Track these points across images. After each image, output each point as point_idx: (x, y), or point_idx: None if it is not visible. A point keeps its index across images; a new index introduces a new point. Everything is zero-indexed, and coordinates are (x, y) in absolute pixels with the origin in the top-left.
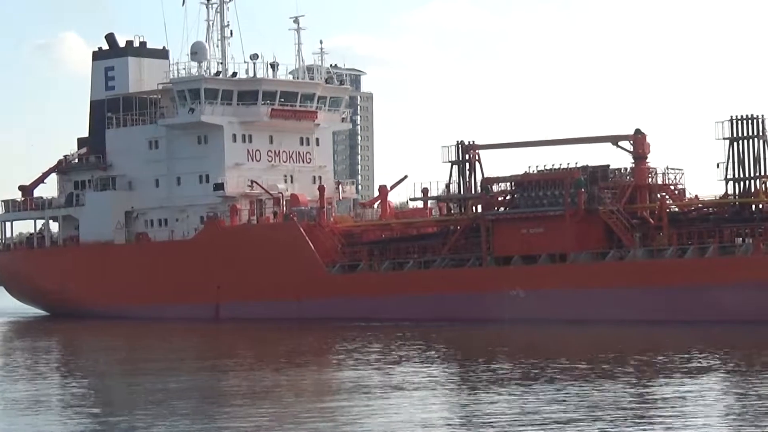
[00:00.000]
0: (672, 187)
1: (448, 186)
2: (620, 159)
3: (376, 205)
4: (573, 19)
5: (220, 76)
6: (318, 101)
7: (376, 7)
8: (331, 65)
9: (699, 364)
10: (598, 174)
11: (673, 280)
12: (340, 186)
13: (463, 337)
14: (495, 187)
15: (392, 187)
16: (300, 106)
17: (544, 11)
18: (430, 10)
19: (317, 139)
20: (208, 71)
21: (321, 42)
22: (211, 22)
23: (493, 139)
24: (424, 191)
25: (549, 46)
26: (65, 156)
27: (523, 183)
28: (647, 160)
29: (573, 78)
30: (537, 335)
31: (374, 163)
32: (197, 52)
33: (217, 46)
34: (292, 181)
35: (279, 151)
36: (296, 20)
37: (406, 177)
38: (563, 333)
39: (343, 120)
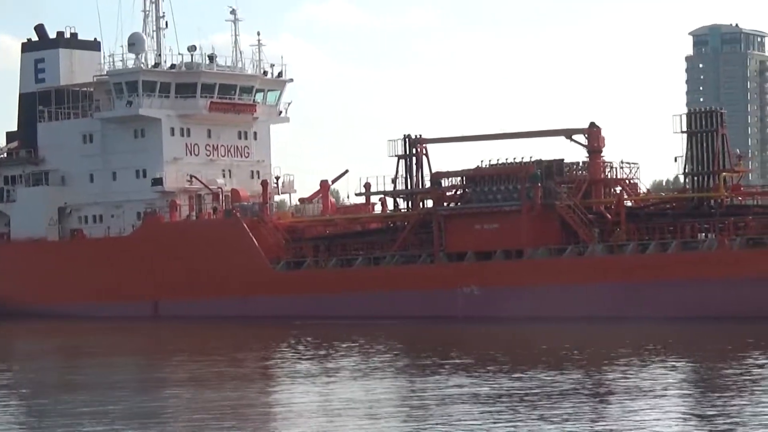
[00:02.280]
0: (627, 182)
1: (394, 181)
2: (573, 153)
3: (316, 200)
4: (525, 7)
5: (158, 68)
6: (255, 94)
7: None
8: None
9: (646, 362)
10: (554, 168)
11: (636, 276)
12: (278, 181)
13: (413, 334)
14: (445, 182)
15: (333, 182)
16: (238, 99)
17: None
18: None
19: (255, 133)
20: (145, 63)
21: (258, 34)
22: (147, 13)
23: (437, 133)
24: (367, 186)
25: (496, 37)
26: None
27: (475, 177)
28: (602, 154)
29: (518, 71)
30: (490, 333)
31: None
32: (135, 44)
33: (152, 38)
34: (230, 176)
35: (217, 145)
36: (233, 11)
37: (347, 171)
38: (519, 330)
39: (280, 114)
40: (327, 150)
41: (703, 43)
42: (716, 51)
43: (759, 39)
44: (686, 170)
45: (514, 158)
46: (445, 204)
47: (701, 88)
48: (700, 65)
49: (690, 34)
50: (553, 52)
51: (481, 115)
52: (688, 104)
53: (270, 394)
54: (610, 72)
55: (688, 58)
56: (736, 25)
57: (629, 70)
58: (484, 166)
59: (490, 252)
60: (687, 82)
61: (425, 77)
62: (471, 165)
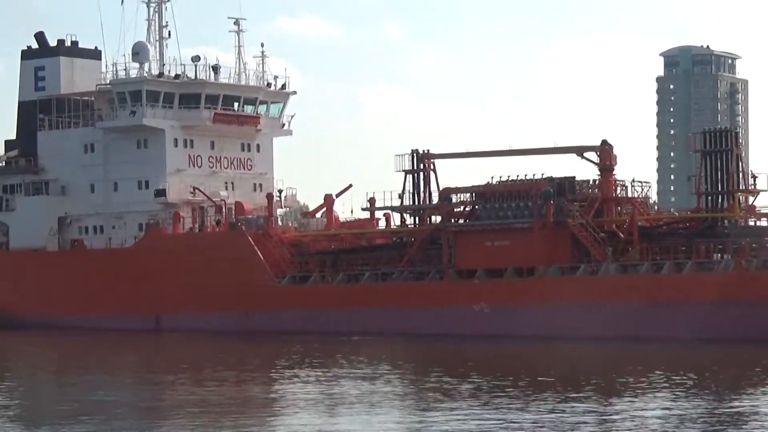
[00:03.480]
0: (639, 201)
1: (401, 196)
2: (579, 171)
3: (319, 214)
4: (538, 23)
5: (162, 78)
6: (259, 105)
7: None
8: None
9: (659, 385)
10: (566, 186)
11: (651, 296)
12: (281, 194)
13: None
14: (454, 198)
15: (337, 196)
16: (241, 111)
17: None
18: None
19: (258, 146)
20: (149, 72)
21: (262, 45)
22: (150, 22)
23: (443, 149)
24: (372, 201)
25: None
26: None
27: (486, 194)
28: (614, 173)
29: (526, 87)
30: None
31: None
32: (139, 53)
33: (155, 47)
34: (233, 188)
35: (220, 157)
36: (237, 22)
37: (351, 186)
38: (531, 350)
39: (283, 126)
40: (330, 164)
41: (674, 64)
42: (687, 72)
43: (730, 61)
44: (699, 189)
45: (525, 175)
46: (454, 220)
47: (672, 109)
48: (671, 86)
49: (661, 54)
50: (527, 71)
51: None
52: (657, 125)
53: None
54: (582, 91)
55: (659, 79)
56: (707, 46)
57: (599, 89)
58: (493, 182)
59: (500, 269)
60: (657, 103)
61: (430, 92)
62: (478, 181)
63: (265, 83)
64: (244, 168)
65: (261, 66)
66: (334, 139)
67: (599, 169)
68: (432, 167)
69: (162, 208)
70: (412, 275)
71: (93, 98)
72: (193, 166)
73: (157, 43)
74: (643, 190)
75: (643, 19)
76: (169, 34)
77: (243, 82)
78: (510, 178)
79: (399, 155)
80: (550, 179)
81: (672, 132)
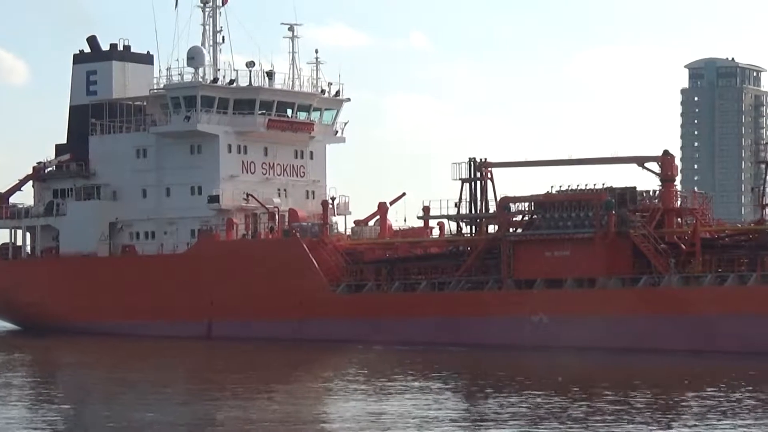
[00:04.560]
0: (700, 212)
1: (458, 204)
2: (634, 182)
3: (372, 222)
4: (562, 34)
5: (218, 83)
6: (312, 112)
7: None
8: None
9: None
10: (627, 196)
11: (716, 309)
12: (334, 202)
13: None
14: (513, 207)
15: (391, 204)
16: (295, 117)
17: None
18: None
19: (311, 153)
20: (204, 78)
21: (317, 51)
22: (205, 27)
23: (499, 158)
24: (426, 209)
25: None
26: (40, 162)
27: (545, 203)
28: (675, 183)
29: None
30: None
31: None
32: (194, 57)
33: (209, 53)
34: (285, 195)
35: (273, 164)
36: (291, 28)
37: (404, 194)
38: (592, 362)
39: (336, 133)
40: (382, 172)
41: (699, 76)
42: (712, 85)
43: (755, 74)
44: (763, 201)
45: (586, 185)
46: (512, 230)
47: (696, 122)
48: (696, 98)
49: (686, 67)
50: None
51: (532, 141)
52: (682, 137)
53: None
54: (606, 103)
55: (683, 91)
56: (733, 59)
57: (623, 101)
58: (553, 192)
59: (560, 279)
60: (682, 115)
61: (484, 101)
62: (535, 191)
63: (320, 90)
64: (296, 175)
65: (315, 72)
66: (383, 146)
67: (660, 180)
68: (489, 176)
69: (215, 214)
70: (470, 285)
71: (145, 103)
72: (247, 172)
73: (212, 48)
74: (704, 201)
75: (668, 31)
76: (223, 39)
77: (297, 89)
78: (570, 188)
79: (456, 163)
80: (611, 189)
81: (696, 144)
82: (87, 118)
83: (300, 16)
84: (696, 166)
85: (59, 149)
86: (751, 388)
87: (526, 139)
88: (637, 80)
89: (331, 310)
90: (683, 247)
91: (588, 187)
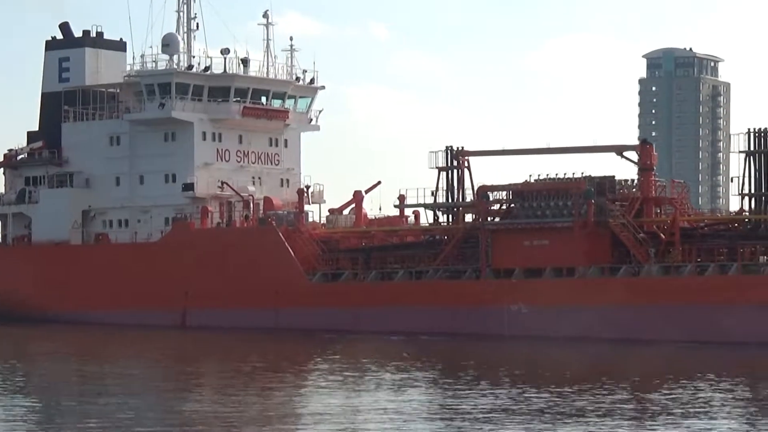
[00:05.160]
0: (679, 201)
1: (434, 193)
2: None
3: (347, 211)
4: (522, 25)
5: (192, 70)
6: (287, 100)
7: None
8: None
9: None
10: (606, 185)
11: (698, 299)
12: (308, 190)
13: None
14: (491, 196)
15: (366, 192)
16: (268, 105)
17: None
18: None
19: (286, 141)
20: (179, 65)
21: (291, 39)
22: (180, 13)
23: (474, 147)
24: (401, 198)
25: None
26: (11, 150)
27: (524, 192)
28: (653, 172)
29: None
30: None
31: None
32: (169, 44)
33: (183, 40)
34: (260, 184)
35: (248, 152)
36: (266, 14)
37: (379, 183)
38: (569, 352)
39: (310, 121)
40: (357, 160)
41: (657, 66)
42: (669, 75)
43: (712, 64)
44: (743, 191)
45: (564, 174)
46: (490, 219)
47: (654, 111)
48: (653, 88)
49: (644, 56)
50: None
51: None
52: (639, 127)
53: None
54: (565, 92)
55: (641, 81)
56: (690, 49)
57: (582, 90)
58: (531, 181)
59: (539, 269)
60: (639, 104)
61: (460, 90)
62: (511, 180)
63: (294, 77)
64: (271, 163)
65: (290, 60)
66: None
67: (639, 169)
68: (466, 164)
69: (189, 202)
70: (448, 274)
71: (118, 90)
72: (221, 160)
73: (186, 35)
74: (682, 190)
75: (627, 21)
76: (197, 26)
77: (272, 76)
78: (549, 177)
79: (433, 152)
80: (590, 178)
81: (654, 134)
82: (59, 105)
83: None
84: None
85: (31, 136)
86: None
87: (487, 129)
88: (595, 70)
89: (307, 299)
90: (662, 236)
91: (566, 176)
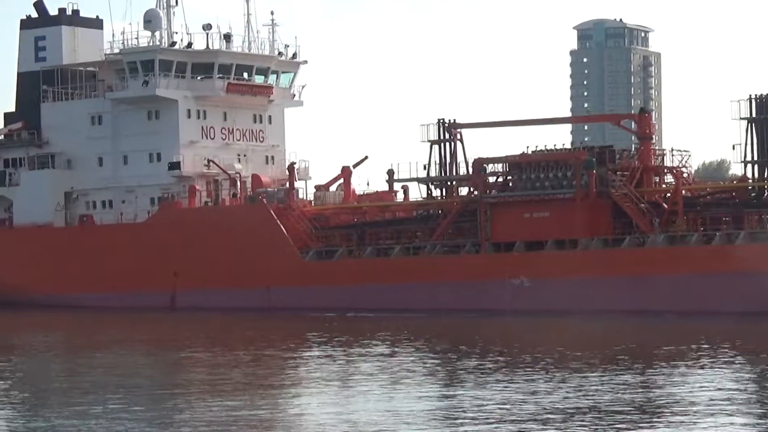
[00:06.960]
0: (679, 170)
1: (427, 167)
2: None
3: (334, 187)
4: None
5: (175, 47)
6: (270, 75)
7: None
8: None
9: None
10: (606, 155)
11: (707, 268)
12: (294, 167)
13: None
14: (487, 168)
15: (354, 167)
16: (250, 80)
17: None
18: None
19: (270, 117)
20: (161, 41)
21: (272, 13)
22: None
23: (467, 119)
24: (390, 173)
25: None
26: None
27: (521, 164)
28: (653, 141)
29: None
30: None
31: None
32: (151, 21)
33: (164, 15)
34: (245, 161)
35: (233, 129)
36: None
37: (366, 157)
38: (576, 325)
39: (294, 97)
40: (343, 136)
41: (588, 37)
42: (600, 46)
43: (643, 34)
44: (745, 158)
45: (563, 144)
46: (487, 192)
47: (585, 83)
48: (584, 60)
49: (574, 28)
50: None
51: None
52: (571, 98)
53: None
54: (497, 63)
55: (572, 53)
56: (621, 20)
57: (514, 62)
58: (529, 152)
59: (540, 242)
60: (571, 76)
61: (449, 60)
62: (504, 152)
63: (276, 52)
64: (256, 140)
65: (271, 34)
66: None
67: (638, 138)
68: (459, 137)
69: (176, 181)
70: (446, 249)
71: (97, 69)
72: (206, 138)
73: (165, 11)
74: (683, 159)
75: None
76: (177, 2)
77: (255, 51)
78: (547, 148)
79: (424, 125)
80: (590, 148)
81: (585, 105)
82: (37, 84)
83: None
84: (586, 127)
85: (8, 117)
86: None
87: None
88: (526, 42)
89: (301, 278)
90: (665, 206)
91: (565, 147)
